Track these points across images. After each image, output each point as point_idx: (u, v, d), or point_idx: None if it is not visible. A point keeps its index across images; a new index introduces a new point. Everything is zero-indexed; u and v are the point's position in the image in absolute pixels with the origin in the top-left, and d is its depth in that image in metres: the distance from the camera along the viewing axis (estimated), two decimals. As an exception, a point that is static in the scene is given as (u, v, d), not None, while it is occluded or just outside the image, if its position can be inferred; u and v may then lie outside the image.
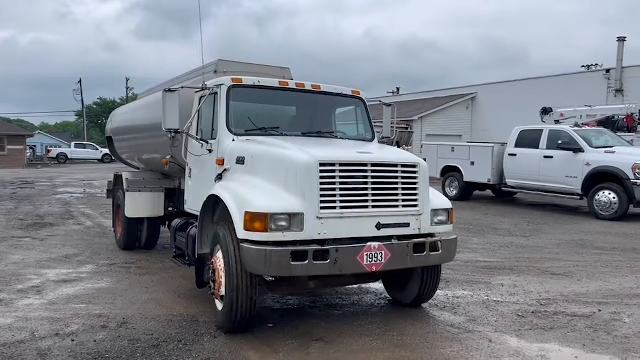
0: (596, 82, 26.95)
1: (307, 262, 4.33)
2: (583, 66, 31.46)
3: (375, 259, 4.61)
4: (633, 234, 10.93)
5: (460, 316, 5.51)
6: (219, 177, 5.29)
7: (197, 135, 5.83)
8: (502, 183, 15.80)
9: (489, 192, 17.82)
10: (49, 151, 50.13)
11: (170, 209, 7.93)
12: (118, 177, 8.78)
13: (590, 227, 11.68)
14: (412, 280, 5.58)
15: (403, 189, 4.88)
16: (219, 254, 4.89)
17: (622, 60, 26.68)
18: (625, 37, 27.02)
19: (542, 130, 14.80)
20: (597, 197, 12.88)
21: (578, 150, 13.44)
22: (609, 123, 17.49)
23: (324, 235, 4.48)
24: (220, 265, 4.82)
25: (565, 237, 10.51)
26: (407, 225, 4.90)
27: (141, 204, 7.90)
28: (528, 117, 19.56)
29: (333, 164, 4.57)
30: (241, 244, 4.43)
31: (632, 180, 12.27)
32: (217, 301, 4.99)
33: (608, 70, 27.33)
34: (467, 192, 17.04)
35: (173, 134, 5.45)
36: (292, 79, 6.54)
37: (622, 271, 7.62)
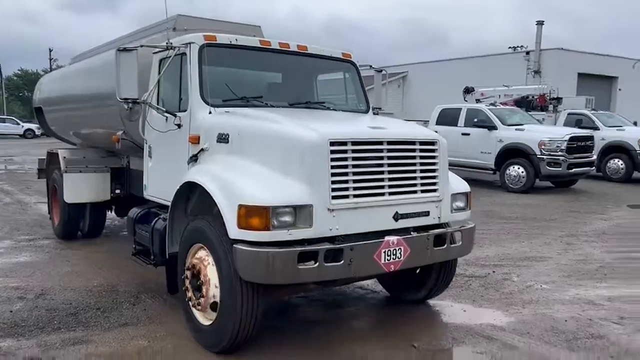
0: (517, 63, 28.53)
1: (317, 264, 3.54)
2: (510, 47, 33.18)
3: (394, 257, 3.87)
4: (536, 204, 11.91)
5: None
6: (194, 158, 4.38)
7: (158, 105, 4.83)
8: (425, 159, 16.50)
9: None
10: (-37, 126, 46.69)
11: (117, 191, 6.92)
12: (53, 155, 7.55)
13: (500, 199, 12.59)
14: (429, 277, 4.88)
15: (421, 170, 4.13)
16: (202, 254, 4.02)
17: (540, 42, 28.36)
18: (543, 21, 28.75)
19: (461, 108, 15.63)
20: (507, 172, 13.85)
21: (492, 127, 14.32)
22: (524, 102, 18.68)
23: (336, 231, 3.67)
24: (208, 271, 3.92)
25: (475, 208, 11.01)
26: (427, 214, 4.18)
27: (83, 187, 6.86)
28: (455, 96, 20.47)
29: (345, 143, 3.75)
30: (234, 245, 3.57)
31: (538, 156, 13.29)
32: (196, 312, 4.09)
33: (528, 52, 28.97)
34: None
35: (131, 105, 4.47)
36: None
37: (520, 238, 8.37)
